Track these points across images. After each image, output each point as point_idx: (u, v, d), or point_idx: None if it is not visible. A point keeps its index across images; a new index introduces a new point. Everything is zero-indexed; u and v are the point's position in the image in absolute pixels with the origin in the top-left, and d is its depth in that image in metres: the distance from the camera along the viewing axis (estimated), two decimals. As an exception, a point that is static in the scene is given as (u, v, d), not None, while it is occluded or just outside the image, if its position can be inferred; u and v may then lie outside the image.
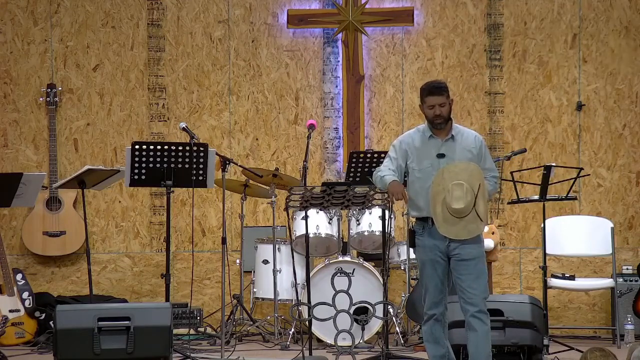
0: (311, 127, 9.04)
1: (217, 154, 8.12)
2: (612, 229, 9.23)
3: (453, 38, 9.80)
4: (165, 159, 7.88)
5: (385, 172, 6.59)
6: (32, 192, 8.05)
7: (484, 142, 6.67)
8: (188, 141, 7.95)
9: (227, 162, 8.11)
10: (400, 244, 8.97)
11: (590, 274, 9.67)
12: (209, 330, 9.15)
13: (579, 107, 9.73)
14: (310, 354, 7.73)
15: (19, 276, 9.00)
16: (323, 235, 8.83)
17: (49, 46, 9.74)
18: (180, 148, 7.92)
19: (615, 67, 9.75)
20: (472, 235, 6.43)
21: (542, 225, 8.73)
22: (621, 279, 9.25)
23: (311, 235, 8.50)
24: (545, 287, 8.54)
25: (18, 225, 9.64)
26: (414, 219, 6.70)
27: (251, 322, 9.05)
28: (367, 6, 9.73)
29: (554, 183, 8.55)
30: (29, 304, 8.95)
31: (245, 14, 9.82)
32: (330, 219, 8.83)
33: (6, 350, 8.12)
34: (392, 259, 8.84)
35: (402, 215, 9.21)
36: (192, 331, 8.91)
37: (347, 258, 8.67)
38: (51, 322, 8.50)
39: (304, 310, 8.22)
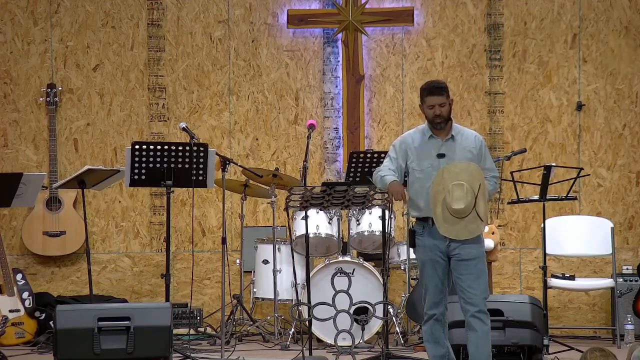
0: (311, 127, 9.04)
1: (217, 154, 8.11)
2: (612, 229, 9.23)
3: (453, 38, 9.79)
4: (165, 159, 7.87)
5: (386, 172, 6.58)
6: (32, 192, 8.05)
7: (484, 142, 6.66)
8: (188, 141, 7.94)
9: (227, 162, 8.11)
10: (400, 244, 8.97)
11: (590, 274, 9.66)
12: (209, 330, 9.15)
13: (579, 107, 9.73)
14: (310, 354, 7.73)
15: (19, 276, 8.99)
16: (323, 235, 8.82)
17: (49, 46, 9.74)
18: (180, 148, 7.91)
19: (615, 67, 9.75)
20: (472, 236, 6.42)
21: (542, 225, 8.72)
22: (621, 279, 9.25)
23: (311, 235, 8.49)
24: (545, 287, 8.54)
25: (18, 225, 9.63)
26: (414, 219, 6.69)
27: (251, 322, 9.04)
28: (367, 6, 9.73)
29: (554, 183, 8.55)
30: (29, 304, 8.94)
31: (245, 14, 9.82)
32: (330, 219, 8.83)
33: (6, 350, 8.11)
34: (392, 259, 8.84)
35: (402, 215, 9.21)
36: (192, 331, 8.90)
37: (347, 258, 8.67)
38: (51, 322, 8.49)
39: (304, 310, 8.21)
